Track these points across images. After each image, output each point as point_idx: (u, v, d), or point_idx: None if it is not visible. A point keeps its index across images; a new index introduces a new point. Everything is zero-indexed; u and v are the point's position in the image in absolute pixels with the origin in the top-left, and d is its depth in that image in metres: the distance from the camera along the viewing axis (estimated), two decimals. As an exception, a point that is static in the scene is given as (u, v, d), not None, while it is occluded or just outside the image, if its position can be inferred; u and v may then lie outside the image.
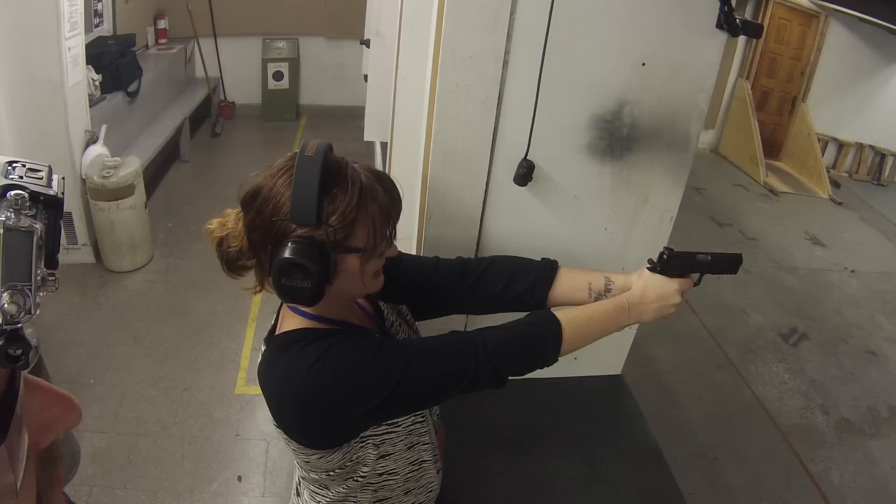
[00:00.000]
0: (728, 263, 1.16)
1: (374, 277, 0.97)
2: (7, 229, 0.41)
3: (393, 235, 0.97)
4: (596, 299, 1.14)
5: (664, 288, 1.11)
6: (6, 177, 0.45)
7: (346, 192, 0.87)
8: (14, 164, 0.46)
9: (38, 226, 0.43)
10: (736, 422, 2.99)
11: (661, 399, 3.03)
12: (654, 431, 1.73)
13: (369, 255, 0.92)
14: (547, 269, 1.17)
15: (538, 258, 1.20)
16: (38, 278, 0.42)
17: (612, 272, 1.17)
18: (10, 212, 0.42)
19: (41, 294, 0.42)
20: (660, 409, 2.92)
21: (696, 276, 1.16)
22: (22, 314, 0.40)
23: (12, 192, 0.43)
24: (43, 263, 0.43)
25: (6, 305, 0.40)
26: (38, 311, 0.41)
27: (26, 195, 0.44)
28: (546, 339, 1.01)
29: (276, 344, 0.96)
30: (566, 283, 1.16)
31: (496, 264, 1.18)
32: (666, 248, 1.11)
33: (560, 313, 1.04)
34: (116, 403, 2.62)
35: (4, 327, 0.40)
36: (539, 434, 1.67)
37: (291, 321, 0.97)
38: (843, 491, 2.67)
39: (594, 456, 1.62)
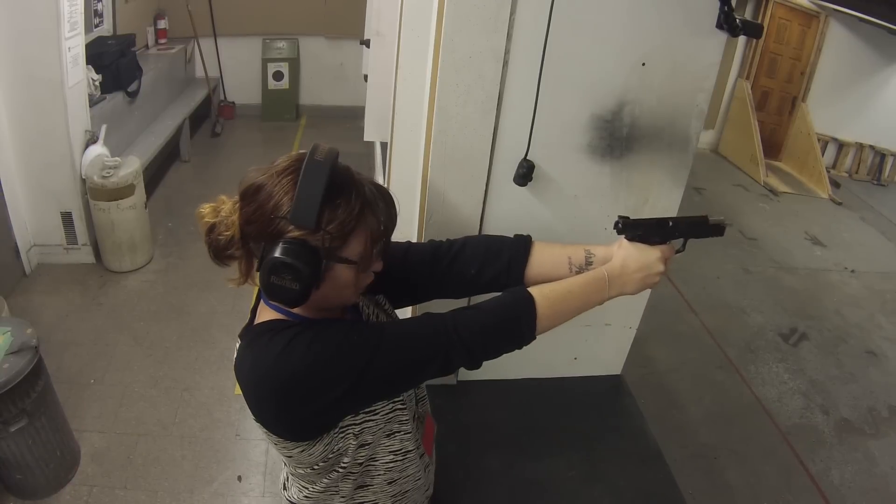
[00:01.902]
0: (700, 226, 1.12)
1: (362, 290, 0.98)
2: None
3: (385, 250, 0.97)
4: (577, 273, 1.10)
5: (646, 257, 1.07)
6: None
7: (349, 202, 0.88)
8: None
9: None
10: (736, 422, 2.99)
11: (661, 399, 3.03)
12: (654, 431, 1.73)
13: (362, 267, 0.92)
14: (521, 247, 1.14)
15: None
16: None
17: (593, 244, 1.14)
18: None
19: None
20: (660, 409, 2.92)
21: (679, 242, 1.13)
22: None
23: None
24: None
25: None
26: None
27: None
28: (520, 316, 0.99)
29: (249, 336, 0.96)
30: (544, 260, 1.13)
31: (468, 246, 1.15)
32: (620, 217, 1.09)
33: (535, 289, 1.02)
34: (116, 403, 2.62)
35: None
36: (539, 434, 1.68)
37: (266, 315, 0.98)
38: (843, 491, 2.67)
39: (594, 456, 1.62)
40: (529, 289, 1.02)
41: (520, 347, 1.01)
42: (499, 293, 1.05)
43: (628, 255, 1.08)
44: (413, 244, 1.18)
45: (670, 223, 1.10)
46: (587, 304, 1.05)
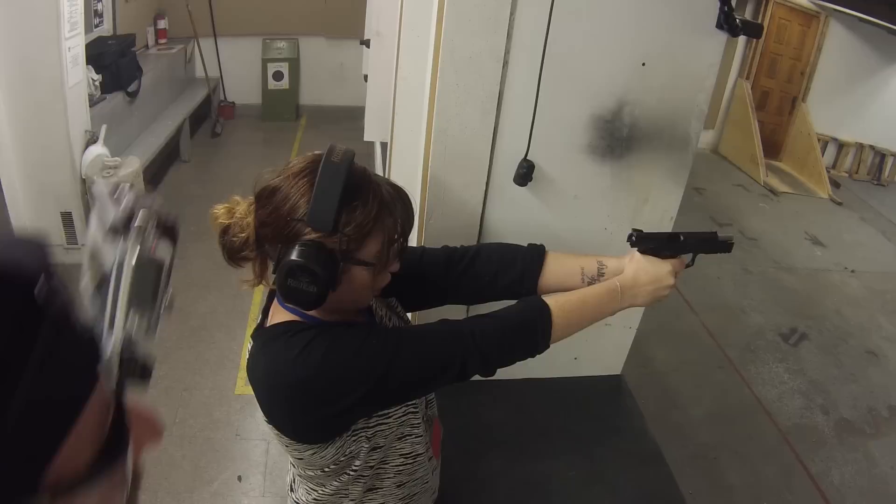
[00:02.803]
0: (710, 242, 1.15)
1: (379, 291, 0.98)
2: (140, 261, 0.42)
3: (402, 250, 0.97)
4: (589, 284, 1.12)
5: (657, 270, 1.09)
6: (119, 202, 0.45)
7: (367, 204, 0.87)
8: (121, 186, 0.46)
9: (167, 255, 0.44)
10: (736, 422, 2.99)
11: (661, 399, 3.03)
12: (654, 431, 1.73)
13: (378, 269, 0.92)
14: (535, 256, 1.15)
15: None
16: (165, 303, 0.44)
17: (605, 256, 1.16)
18: (138, 241, 0.43)
19: (164, 317, 0.44)
20: (660, 409, 2.92)
21: (688, 257, 1.15)
22: (147, 333, 0.43)
23: (139, 219, 0.44)
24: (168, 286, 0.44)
25: (134, 327, 0.42)
26: (156, 335, 0.44)
27: (153, 223, 0.44)
28: (535, 325, 1.00)
29: (263, 337, 0.96)
30: (557, 269, 1.15)
31: (483, 253, 1.16)
32: (634, 230, 1.10)
33: (550, 299, 1.03)
34: (116, 403, 2.62)
35: (129, 348, 0.42)
36: (539, 434, 1.68)
37: (280, 316, 0.97)
38: (843, 491, 2.67)
39: (594, 456, 1.62)
40: (544, 297, 1.03)
41: (533, 356, 1.02)
42: (512, 301, 1.06)
43: (640, 268, 1.10)
44: (427, 249, 1.19)
45: (682, 237, 1.12)
46: (600, 314, 1.07)
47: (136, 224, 0.44)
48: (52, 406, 0.34)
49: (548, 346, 1.02)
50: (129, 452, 0.41)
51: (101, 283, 0.44)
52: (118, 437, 0.40)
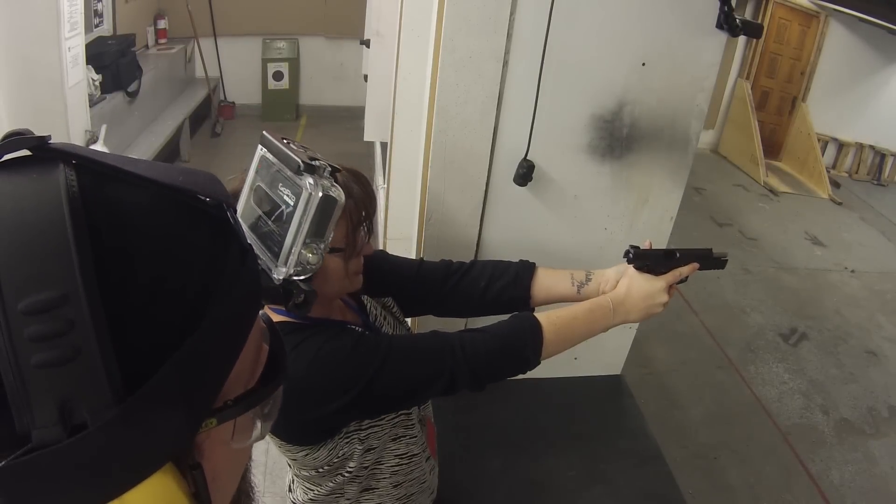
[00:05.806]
0: (705, 259, 1.15)
1: (355, 276, 0.98)
2: (325, 193, 0.46)
3: (369, 232, 0.98)
4: (578, 288, 1.15)
5: (651, 286, 1.09)
6: (289, 146, 0.49)
7: None
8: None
9: (339, 196, 0.48)
10: (736, 422, 2.99)
11: (661, 399, 3.03)
12: (654, 431, 1.73)
13: (348, 253, 0.93)
14: (527, 265, 1.20)
15: (535, 259, 1.22)
16: (328, 240, 0.48)
17: (591, 269, 1.19)
18: (324, 180, 0.47)
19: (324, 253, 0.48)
20: (660, 409, 2.92)
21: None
22: (315, 265, 0.46)
23: (321, 163, 0.48)
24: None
25: (309, 256, 0.47)
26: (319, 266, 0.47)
27: (332, 168, 0.49)
28: (526, 340, 1.00)
29: None
30: (548, 275, 1.19)
31: (478, 264, 1.21)
32: (631, 247, 1.11)
33: (542, 315, 1.04)
34: (116, 403, 2.62)
35: (298, 275, 0.46)
36: (539, 434, 1.67)
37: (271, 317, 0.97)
38: (843, 491, 2.67)
39: (594, 456, 1.62)
40: (536, 314, 1.04)
41: (524, 372, 1.02)
42: (505, 316, 1.06)
43: (633, 284, 1.10)
44: (426, 262, 1.22)
45: (678, 255, 1.13)
46: (592, 330, 1.08)
47: (318, 163, 0.48)
48: (231, 328, 0.35)
49: (538, 363, 1.02)
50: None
51: (258, 219, 0.48)
52: (276, 365, 0.41)
